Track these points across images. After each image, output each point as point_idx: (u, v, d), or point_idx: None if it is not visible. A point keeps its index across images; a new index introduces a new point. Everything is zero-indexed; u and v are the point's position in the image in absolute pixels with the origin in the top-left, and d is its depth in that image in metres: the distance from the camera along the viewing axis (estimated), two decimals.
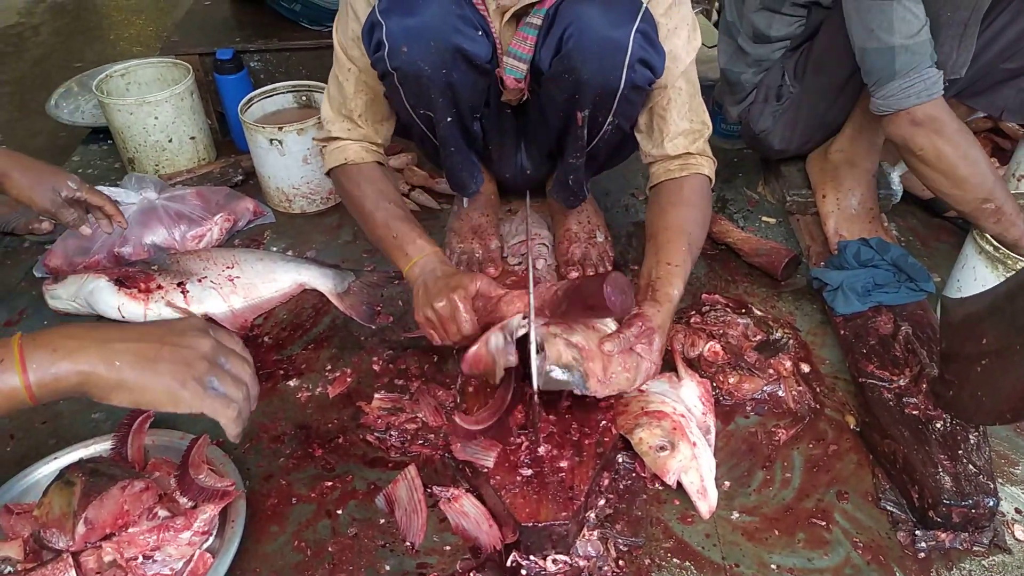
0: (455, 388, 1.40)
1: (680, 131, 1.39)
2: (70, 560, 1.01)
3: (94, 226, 1.50)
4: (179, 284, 1.57)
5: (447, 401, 1.38)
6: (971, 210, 1.43)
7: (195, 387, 0.88)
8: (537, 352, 1.14)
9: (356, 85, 1.41)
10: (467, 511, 1.17)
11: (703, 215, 1.40)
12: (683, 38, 1.34)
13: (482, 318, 1.25)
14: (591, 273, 1.58)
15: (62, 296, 1.58)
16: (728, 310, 1.56)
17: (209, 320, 1.27)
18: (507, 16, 1.29)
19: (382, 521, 1.20)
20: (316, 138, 1.52)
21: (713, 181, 1.44)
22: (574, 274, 1.56)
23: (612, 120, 1.33)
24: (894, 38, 1.38)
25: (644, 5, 1.23)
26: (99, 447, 1.24)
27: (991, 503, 1.12)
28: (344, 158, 1.44)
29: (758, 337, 1.49)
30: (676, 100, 1.38)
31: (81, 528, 1.03)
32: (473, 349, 1.18)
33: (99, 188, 1.55)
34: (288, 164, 1.86)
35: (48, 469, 1.20)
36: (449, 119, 1.37)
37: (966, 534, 1.15)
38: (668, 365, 1.44)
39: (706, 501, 1.18)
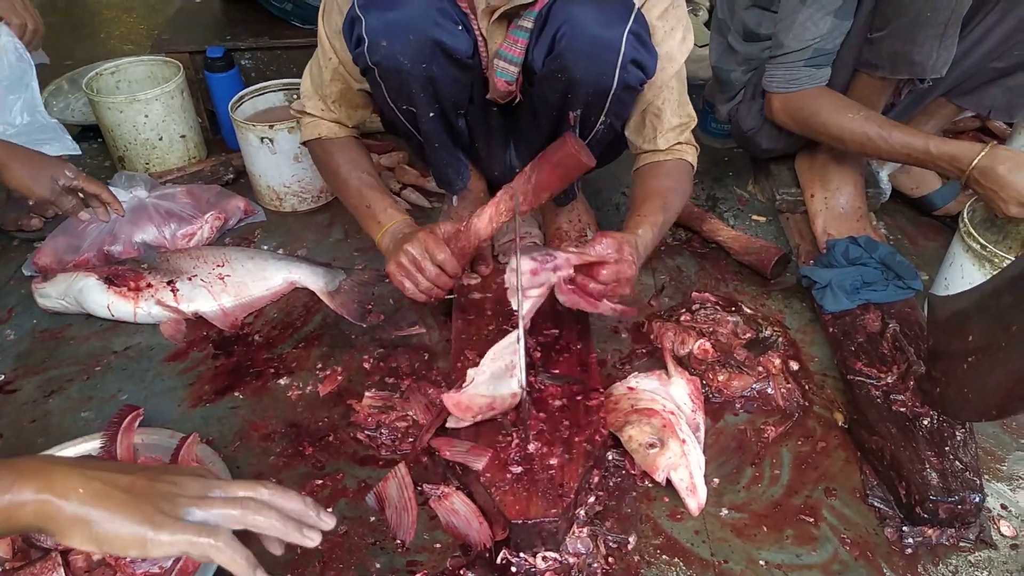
0: (445, 385, 1.40)
1: (671, 127, 1.42)
2: (58, 559, 1.01)
3: (94, 215, 1.50)
4: (169, 282, 1.57)
5: (438, 399, 1.38)
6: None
7: (164, 520, 0.70)
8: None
9: (332, 74, 1.44)
10: (457, 509, 1.17)
11: (681, 186, 1.43)
12: (678, 39, 1.35)
13: (457, 256, 1.32)
14: None
15: (51, 295, 1.57)
16: (718, 308, 1.56)
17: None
18: (496, 15, 1.29)
19: (372, 519, 1.20)
20: (293, 108, 1.56)
21: (695, 167, 1.47)
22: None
23: (604, 120, 1.34)
24: (786, 37, 1.52)
25: (637, 6, 1.23)
26: (89, 446, 1.23)
27: (977, 499, 1.13)
28: (318, 133, 1.50)
29: (748, 335, 1.50)
30: (668, 100, 1.40)
31: None
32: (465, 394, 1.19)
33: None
34: (279, 162, 1.86)
35: None
36: (432, 114, 1.37)
37: (953, 530, 1.16)
38: (658, 363, 1.45)
39: (695, 498, 1.19)
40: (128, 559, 1.05)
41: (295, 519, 0.78)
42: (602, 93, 1.28)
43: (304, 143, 1.55)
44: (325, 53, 1.43)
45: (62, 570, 1.00)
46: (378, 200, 1.42)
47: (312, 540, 0.79)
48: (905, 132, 1.48)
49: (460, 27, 1.28)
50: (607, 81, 1.25)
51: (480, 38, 1.32)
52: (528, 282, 1.21)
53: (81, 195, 1.48)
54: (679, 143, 1.44)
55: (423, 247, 1.31)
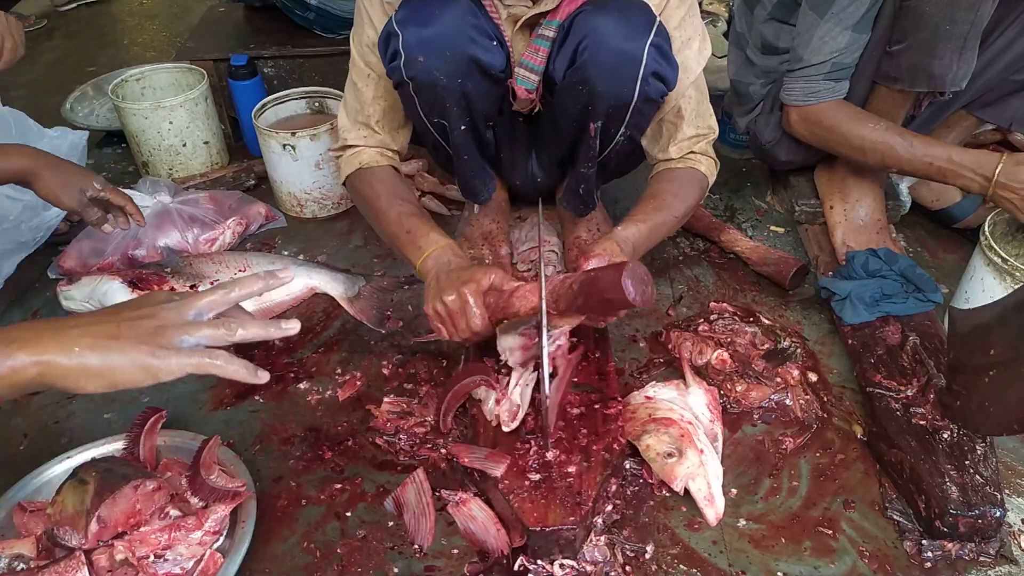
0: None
1: (687, 137, 1.41)
2: (82, 558, 1.02)
3: (115, 224, 1.51)
4: (192, 286, 1.59)
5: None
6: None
7: (166, 352, 0.80)
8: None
9: (375, 90, 1.41)
10: (475, 515, 1.18)
11: (683, 190, 1.39)
12: (694, 49, 1.35)
13: (494, 314, 1.22)
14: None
15: (76, 297, 1.59)
16: (736, 319, 1.56)
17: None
18: (519, 24, 1.31)
19: (391, 524, 1.21)
20: (332, 149, 1.52)
21: (711, 179, 1.45)
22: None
23: (624, 131, 1.35)
24: (805, 52, 1.52)
25: (658, 18, 1.24)
26: (111, 447, 1.25)
27: (998, 514, 1.12)
28: (359, 163, 1.44)
29: (766, 346, 1.49)
30: (685, 109, 1.39)
31: (94, 526, 1.04)
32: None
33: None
34: (300, 169, 1.88)
35: (61, 468, 1.21)
36: (463, 127, 1.38)
37: (972, 544, 1.15)
38: (676, 372, 1.45)
39: (713, 508, 1.19)
40: (151, 559, 1.06)
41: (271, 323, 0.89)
42: (623, 106, 1.28)
43: (344, 181, 1.48)
44: (362, 72, 1.40)
45: (86, 569, 1.01)
46: (419, 226, 1.33)
47: (291, 330, 0.89)
48: (926, 143, 1.48)
49: (495, 42, 1.29)
50: (628, 95, 1.26)
51: (509, 46, 1.34)
52: (520, 357, 1.24)
53: (106, 206, 1.49)
54: (692, 152, 1.42)
55: (462, 302, 1.21)
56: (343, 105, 1.47)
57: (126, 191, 1.74)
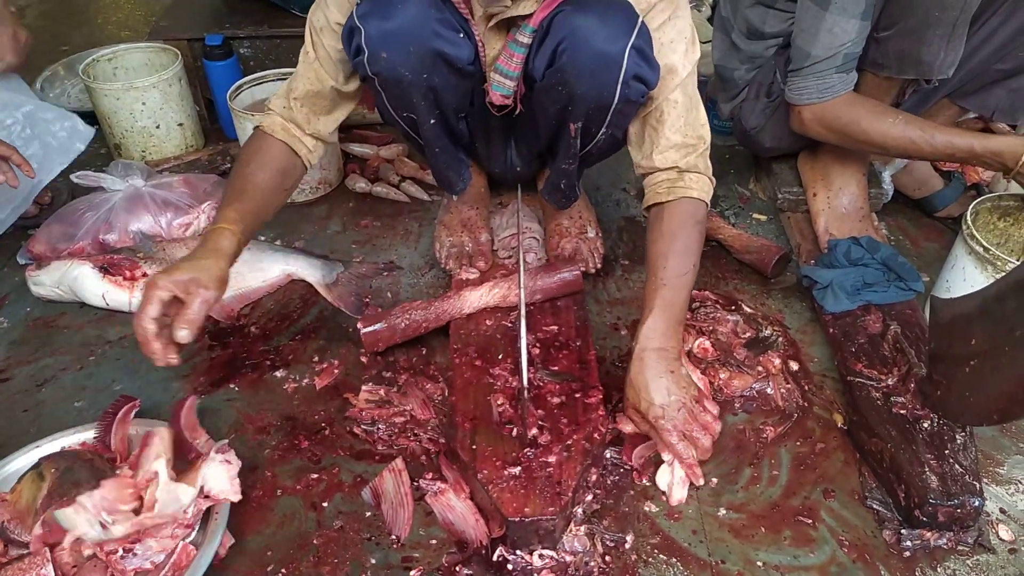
0: (443, 381, 1.40)
1: (671, 144, 1.32)
2: (47, 554, 0.99)
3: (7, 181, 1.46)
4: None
5: (435, 394, 1.37)
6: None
7: None
8: None
9: (306, 70, 1.37)
10: (453, 505, 1.16)
11: (684, 244, 1.30)
12: (680, 52, 1.28)
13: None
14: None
15: (45, 283, 1.56)
16: (718, 307, 1.55)
17: None
18: (492, 22, 1.27)
19: (368, 514, 1.19)
20: (266, 104, 1.46)
21: (706, 200, 1.34)
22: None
23: (605, 131, 1.32)
24: (812, 47, 1.47)
25: (641, 18, 1.21)
26: (82, 436, 1.22)
27: (976, 503, 1.13)
28: (260, 122, 1.40)
29: (747, 334, 1.49)
30: (670, 114, 1.31)
31: (38, 529, 1.01)
32: None
33: (83, 173, 1.53)
34: None
35: (29, 458, 1.18)
36: (432, 121, 1.35)
37: (951, 533, 1.16)
38: None
39: (672, 497, 1.22)
40: (119, 554, 1.03)
41: None
42: (603, 108, 1.25)
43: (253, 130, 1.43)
44: (305, 48, 1.36)
45: (51, 566, 0.99)
46: (231, 203, 1.27)
47: None
48: (947, 133, 1.46)
49: (461, 34, 1.26)
50: (608, 97, 1.23)
51: (480, 43, 1.31)
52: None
53: None
54: (682, 170, 1.33)
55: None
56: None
57: (97, 175, 1.72)
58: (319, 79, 1.36)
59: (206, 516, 1.10)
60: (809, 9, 1.45)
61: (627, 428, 1.25)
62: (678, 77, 1.29)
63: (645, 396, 1.20)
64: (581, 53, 1.19)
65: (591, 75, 1.20)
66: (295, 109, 1.38)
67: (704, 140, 1.34)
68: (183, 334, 1.12)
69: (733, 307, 1.57)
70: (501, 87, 1.31)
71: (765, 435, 1.33)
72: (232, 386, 1.41)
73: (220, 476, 1.09)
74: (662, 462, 1.23)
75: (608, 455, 1.26)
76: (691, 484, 1.22)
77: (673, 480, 1.21)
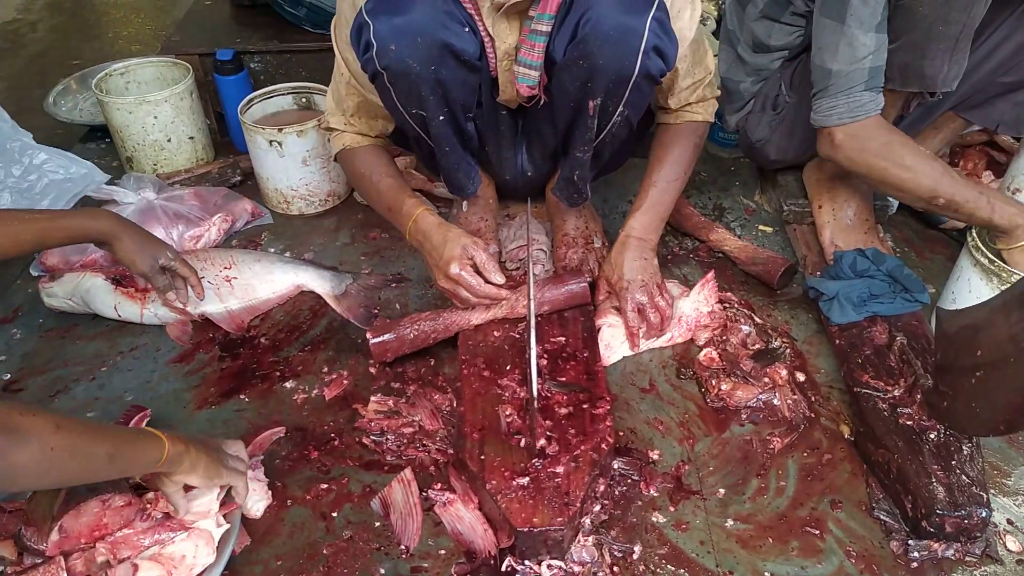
0: (451, 391, 1.41)
1: (683, 88, 1.48)
2: (61, 563, 1.00)
3: (177, 296, 1.53)
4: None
5: (444, 405, 1.38)
6: (924, 207, 1.50)
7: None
8: None
9: (347, 88, 1.47)
10: (462, 515, 1.17)
11: (679, 153, 1.52)
12: (686, 18, 1.38)
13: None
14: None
15: (58, 294, 1.57)
16: (740, 308, 1.59)
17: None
18: (502, 10, 1.29)
19: (377, 524, 1.20)
20: (321, 126, 1.64)
21: (709, 119, 1.54)
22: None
23: (622, 110, 1.35)
24: (834, 63, 1.43)
25: None
26: None
27: (984, 514, 1.13)
28: (342, 144, 1.54)
29: (756, 346, 1.50)
30: (680, 68, 1.45)
31: (55, 536, 1.02)
32: None
33: (96, 186, 1.56)
34: (287, 165, 1.86)
35: None
36: (441, 117, 1.37)
37: (958, 544, 1.16)
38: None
39: (605, 357, 1.43)
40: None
41: None
42: (623, 81, 1.28)
43: (335, 159, 1.59)
44: (339, 67, 1.46)
45: (64, 574, 1.00)
46: (396, 198, 1.46)
47: None
48: (973, 189, 1.43)
49: (467, 29, 1.29)
50: (629, 68, 1.26)
51: (487, 38, 1.33)
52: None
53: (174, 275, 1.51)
54: (689, 104, 1.49)
55: (462, 273, 1.37)
56: (330, 88, 1.54)
57: (109, 188, 1.74)
58: (359, 92, 1.46)
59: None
60: (827, 26, 1.43)
61: (602, 321, 1.46)
62: (687, 41, 1.39)
63: (618, 271, 1.49)
64: (603, 24, 1.23)
65: (614, 44, 1.23)
66: (356, 124, 1.53)
67: (709, 70, 1.50)
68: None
69: (751, 315, 1.58)
70: (527, 79, 1.34)
71: (772, 446, 1.33)
72: (242, 397, 1.42)
73: (254, 494, 1.20)
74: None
75: (616, 466, 1.27)
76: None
77: (612, 341, 1.44)
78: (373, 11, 1.24)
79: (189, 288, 1.52)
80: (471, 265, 1.37)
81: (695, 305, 1.55)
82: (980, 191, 1.43)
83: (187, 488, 1.08)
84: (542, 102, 1.39)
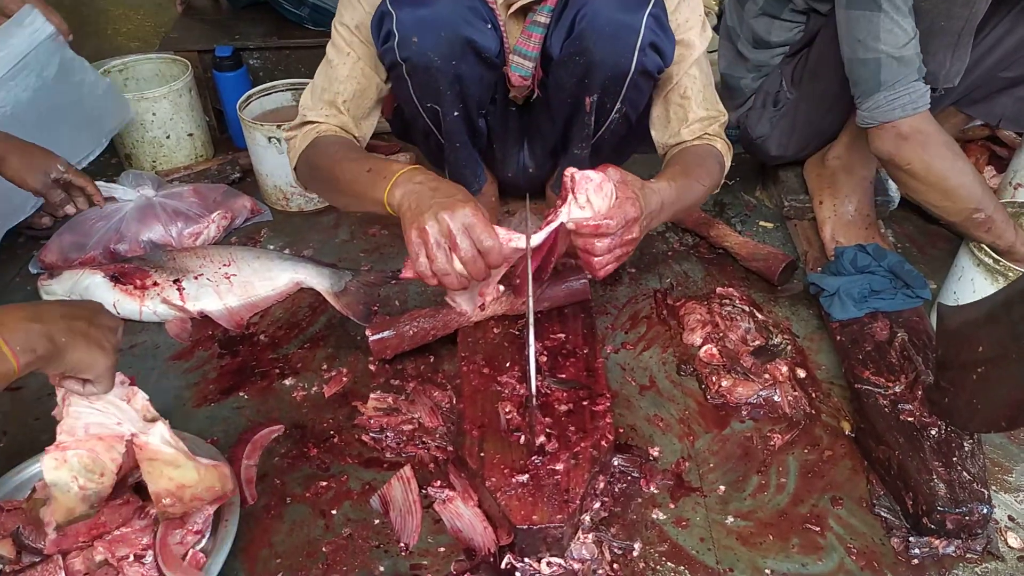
0: (451, 388, 1.40)
1: (698, 117, 1.39)
2: (59, 561, 1.00)
3: (76, 206, 1.50)
4: (175, 281, 1.57)
5: (443, 402, 1.38)
6: (962, 220, 1.43)
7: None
8: None
9: (351, 70, 1.35)
10: (462, 512, 1.17)
11: (705, 162, 1.33)
12: (695, 30, 1.35)
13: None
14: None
15: (57, 292, 1.57)
16: (741, 304, 1.58)
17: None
18: (513, 8, 1.29)
19: (376, 522, 1.20)
20: (286, 129, 1.42)
21: (727, 161, 1.41)
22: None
23: (620, 107, 1.34)
24: (880, 46, 1.37)
25: None
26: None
27: (985, 510, 1.13)
28: (316, 133, 1.34)
29: (756, 342, 1.49)
30: (692, 87, 1.38)
31: (53, 534, 1.02)
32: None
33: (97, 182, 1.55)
34: (286, 162, 1.83)
35: (40, 466, 1.19)
36: (456, 113, 1.36)
37: (960, 541, 1.15)
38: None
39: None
40: (130, 559, 1.04)
41: None
42: (620, 77, 1.27)
43: (296, 165, 1.39)
44: (341, 51, 1.35)
45: (63, 573, 0.99)
46: (380, 162, 1.20)
47: None
48: (1003, 211, 1.42)
49: (489, 25, 1.28)
50: (625, 64, 1.25)
51: (504, 33, 1.33)
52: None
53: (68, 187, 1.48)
54: (707, 135, 1.39)
55: (465, 222, 1.05)
56: (309, 87, 1.40)
57: (108, 185, 1.73)
58: (365, 76, 1.36)
59: (216, 523, 1.11)
60: (859, 18, 1.38)
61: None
62: (696, 51, 1.35)
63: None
64: (599, 19, 1.22)
65: (610, 40, 1.23)
66: (344, 113, 1.36)
67: (723, 112, 1.42)
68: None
69: (752, 310, 1.57)
70: (520, 68, 1.34)
71: (772, 443, 1.33)
72: (241, 394, 1.42)
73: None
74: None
75: (616, 463, 1.27)
76: (690, 496, 1.23)
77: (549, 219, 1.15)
78: (397, 1, 1.23)
79: (89, 197, 1.48)
80: (467, 221, 1.07)
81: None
82: (1007, 214, 1.42)
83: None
84: (535, 95, 1.38)
